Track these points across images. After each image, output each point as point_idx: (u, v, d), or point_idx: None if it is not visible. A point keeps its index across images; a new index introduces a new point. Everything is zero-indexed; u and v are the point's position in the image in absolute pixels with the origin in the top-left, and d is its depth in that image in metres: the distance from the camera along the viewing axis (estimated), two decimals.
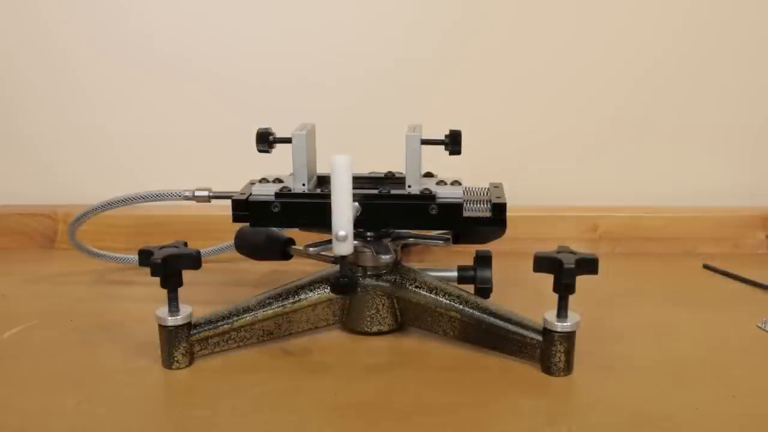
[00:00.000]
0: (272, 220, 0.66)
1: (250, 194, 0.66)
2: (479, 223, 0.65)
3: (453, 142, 0.65)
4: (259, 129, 0.68)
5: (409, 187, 0.65)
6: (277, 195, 0.65)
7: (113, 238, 0.91)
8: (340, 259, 0.60)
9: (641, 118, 0.95)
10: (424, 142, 0.65)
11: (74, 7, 0.93)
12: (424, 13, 0.93)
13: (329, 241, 0.60)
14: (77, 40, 0.94)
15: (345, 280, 0.59)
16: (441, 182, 0.68)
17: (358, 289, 0.64)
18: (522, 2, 0.92)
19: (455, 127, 0.66)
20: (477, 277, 0.73)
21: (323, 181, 0.70)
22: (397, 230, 0.68)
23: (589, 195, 0.95)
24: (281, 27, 0.94)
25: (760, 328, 0.70)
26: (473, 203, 0.65)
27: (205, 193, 0.72)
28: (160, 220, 0.92)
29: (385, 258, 0.64)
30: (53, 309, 0.75)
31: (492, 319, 0.64)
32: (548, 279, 0.59)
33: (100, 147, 0.97)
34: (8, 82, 0.96)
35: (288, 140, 0.67)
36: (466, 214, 0.64)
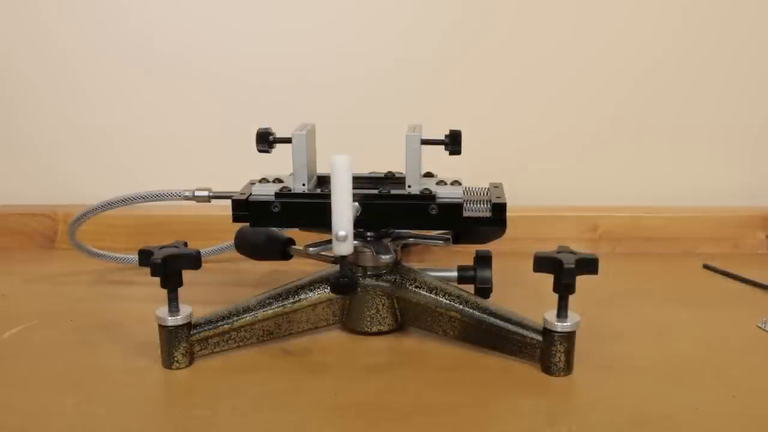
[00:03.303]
0: (272, 220, 0.66)
1: (250, 194, 0.66)
2: (479, 223, 0.65)
3: (453, 142, 0.65)
4: (259, 129, 0.68)
5: (409, 187, 0.65)
6: (277, 195, 0.65)
7: (113, 238, 0.91)
8: (340, 259, 0.60)
9: (641, 118, 0.95)
10: (424, 142, 0.65)
11: (74, 8, 0.93)
12: (424, 13, 0.93)
13: (329, 241, 0.60)
14: (77, 41, 0.94)
15: (345, 280, 0.59)
16: (441, 182, 0.68)
17: (358, 289, 0.64)
18: (521, 3, 0.92)
19: (455, 127, 0.66)
20: (477, 277, 0.72)
21: (323, 181, 0.70)
22: (397, 230, 0.68)
23: (589, 195, 0.95)
24: (281, 27, 0.93)
25: (760, 328, 0.70)
26: (473, 203, 0.65)
27: (205, 193, 0.72)
28: (160, 220, 0.92)
29: (385, 258, 0.64)
30: (53, 309, 0.75)
31: (492, 319, 0.64)
32: (548, 279, 0.59)
33: (100, 147, 0.97)
34: (8, 82, 0.96)
35: (288, 140, 0.67)
36: (466, 214, 0.64)
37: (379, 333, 0.68)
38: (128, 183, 0.85)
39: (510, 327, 0.63)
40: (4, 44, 0.94)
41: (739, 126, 0.95)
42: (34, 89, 0.95)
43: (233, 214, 0.66)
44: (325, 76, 0.94)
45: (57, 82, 0.95)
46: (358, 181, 0.65)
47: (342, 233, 0.56)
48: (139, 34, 0.93)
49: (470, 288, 0.71)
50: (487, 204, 0.65)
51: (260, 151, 0.68)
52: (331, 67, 0.94)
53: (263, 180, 0.69)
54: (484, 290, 0.72)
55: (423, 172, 0.68)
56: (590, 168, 0.96)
